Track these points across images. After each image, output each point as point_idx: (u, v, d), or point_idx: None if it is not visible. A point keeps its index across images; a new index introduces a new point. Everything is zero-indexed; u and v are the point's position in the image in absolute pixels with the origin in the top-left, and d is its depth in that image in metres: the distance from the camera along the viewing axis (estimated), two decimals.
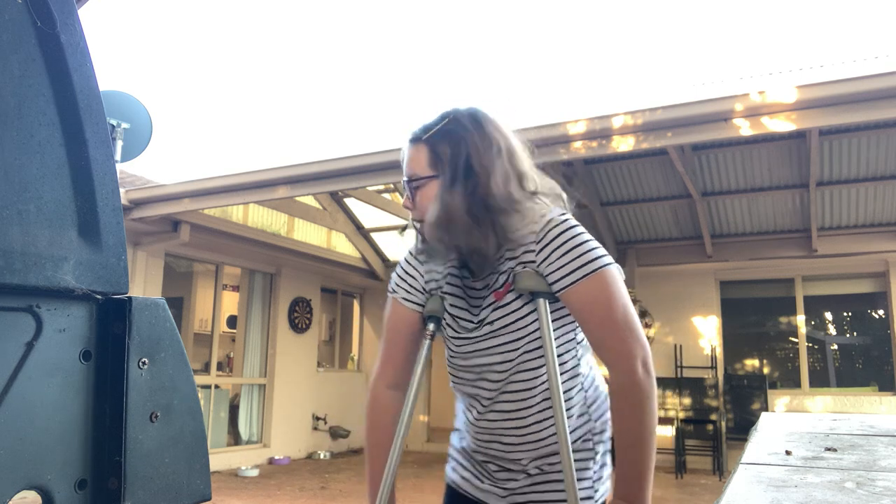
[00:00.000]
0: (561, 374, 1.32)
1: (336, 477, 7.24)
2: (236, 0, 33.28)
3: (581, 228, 1.33)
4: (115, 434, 0.74)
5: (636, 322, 1.28)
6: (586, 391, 1.40)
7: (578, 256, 1.28)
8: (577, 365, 1.39)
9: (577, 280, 1.27)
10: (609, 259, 1.30)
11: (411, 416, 1.44)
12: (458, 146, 1.30)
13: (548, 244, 1.30)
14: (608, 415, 1.39)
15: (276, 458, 8.35)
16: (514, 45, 34.49)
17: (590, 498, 1.34)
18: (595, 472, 1.37)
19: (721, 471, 7.82)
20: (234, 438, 8.38)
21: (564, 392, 1.33)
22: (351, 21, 35.03)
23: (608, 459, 1.41)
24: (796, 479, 0.92)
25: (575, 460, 1.30)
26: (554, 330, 1.32)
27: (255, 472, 7.40)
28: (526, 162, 1.36)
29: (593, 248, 1.30)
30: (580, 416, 1.38)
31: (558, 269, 1.29)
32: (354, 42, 35.67)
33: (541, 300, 1.30)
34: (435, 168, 1.32)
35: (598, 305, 1.27)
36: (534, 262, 1.31)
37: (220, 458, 7.70)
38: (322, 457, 8.89)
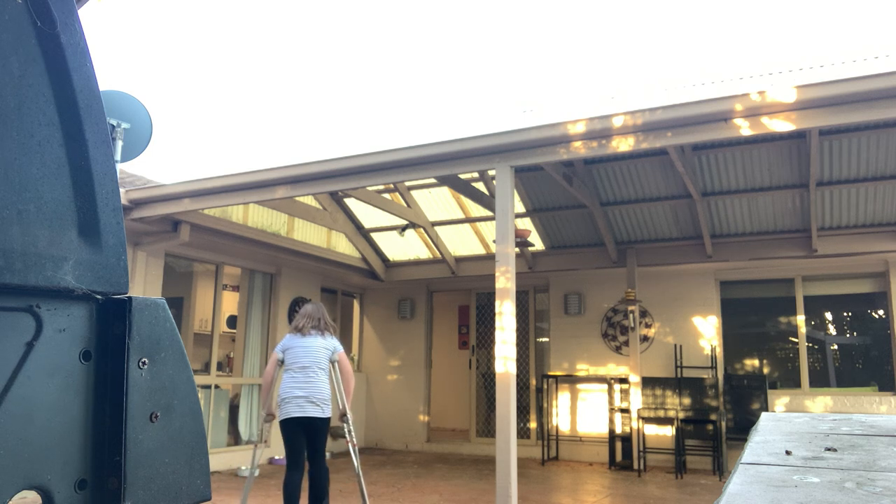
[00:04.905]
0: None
1: (336, 477, 7.23)
2: (236, 0, 33.27)
3: None
4: (115, 434, 0.74)
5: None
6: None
7: None
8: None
9: None
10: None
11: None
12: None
13: None
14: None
15: (276, 458, 8.35)
16: (513, 44, 34.49)
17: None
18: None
19: (721, 471, 7.83)
20: (234, 438, 8.38)
21: None
22: (351, 20, 35.02)
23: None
24: (796, 479, 0.92)
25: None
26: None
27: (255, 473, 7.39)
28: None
29: None
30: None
31: None
32: (355, 41, 35.67)
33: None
34: None
35: None
36: None
37: (220, 458, 7.70)
38: None
